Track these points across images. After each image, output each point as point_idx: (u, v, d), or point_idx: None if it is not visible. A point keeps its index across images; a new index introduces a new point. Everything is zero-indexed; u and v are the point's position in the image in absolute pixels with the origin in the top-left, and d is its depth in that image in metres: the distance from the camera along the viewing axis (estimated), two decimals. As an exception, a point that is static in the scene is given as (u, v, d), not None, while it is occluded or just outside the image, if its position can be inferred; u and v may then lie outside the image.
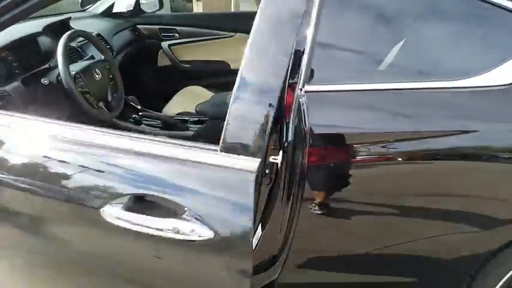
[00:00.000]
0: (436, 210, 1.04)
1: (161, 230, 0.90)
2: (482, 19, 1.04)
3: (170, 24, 2.66)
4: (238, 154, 0.89)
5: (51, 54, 1.72)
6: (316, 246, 1.11)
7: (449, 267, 1.13)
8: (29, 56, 1.67)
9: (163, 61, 2.66)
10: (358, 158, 1.02)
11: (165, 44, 2.61)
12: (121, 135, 1.02)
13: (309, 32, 0.95)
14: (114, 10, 2.51)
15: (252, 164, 0.87)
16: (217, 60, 2.62)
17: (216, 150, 0.92)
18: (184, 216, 0.90)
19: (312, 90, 0.96)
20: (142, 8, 2.64)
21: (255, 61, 0.95)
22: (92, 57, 1.84)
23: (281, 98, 0.93)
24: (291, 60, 0.93)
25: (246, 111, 0.93)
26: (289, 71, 0.94)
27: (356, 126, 1.01)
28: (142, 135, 1.03)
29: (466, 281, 1.14)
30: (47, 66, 1.68)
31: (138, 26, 2.60)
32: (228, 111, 0.91)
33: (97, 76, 1.70)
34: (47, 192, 1.03)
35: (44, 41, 1.78)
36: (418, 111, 1.01)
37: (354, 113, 1.01)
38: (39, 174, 1.03)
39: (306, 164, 0.95)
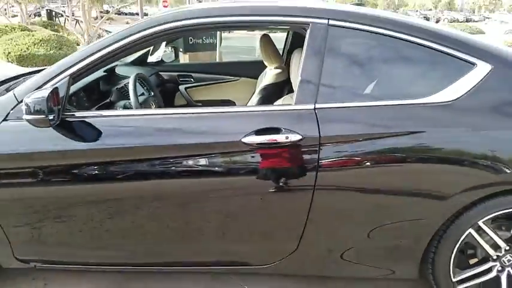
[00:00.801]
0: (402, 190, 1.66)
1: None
2: (430, 62, 1.68)
3: (187, 71, 3.25)
4: None
5: (108, 92, 2.26)
6: None
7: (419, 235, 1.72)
8: (94, 93, 2.19)
9: (179, 101, 3.21)
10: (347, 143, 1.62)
11: (182, 87, 3.18)
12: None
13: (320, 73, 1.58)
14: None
15: None
16: (225, 100, 3.19)
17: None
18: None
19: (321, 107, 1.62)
20: (163, 58, 3.23)
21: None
22: (143, 94, 2.37)
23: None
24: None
25: None
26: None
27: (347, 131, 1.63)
28: None
29: (433, 245, 1.77)
30: (108, 100, 2.21)
31: (160, 72, 3.17)
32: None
33: (152, 106, 2.23)
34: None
35: (102, 83, 2.33)
36: (390, 119, 1.61)
37: (346, 120, 1.63)
38: None
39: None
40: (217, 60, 5.29)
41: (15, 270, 2.04)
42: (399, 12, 33.95)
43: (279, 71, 2.59)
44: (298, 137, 1.61)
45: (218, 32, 5.46)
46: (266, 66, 2.77)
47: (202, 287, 2.06)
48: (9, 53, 9.67)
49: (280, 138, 1.62)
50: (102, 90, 2.29)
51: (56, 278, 2.10)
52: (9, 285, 2.03)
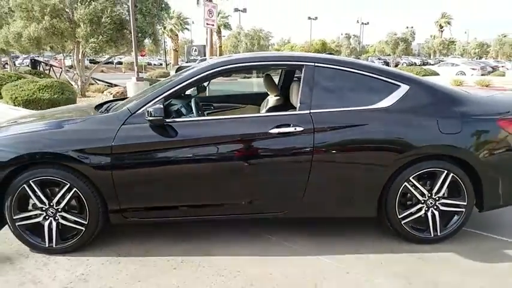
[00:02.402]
0: (360, 163, 2.84)
1: None
2: (375, 85, 2.94)
3: (207, 101, 4.41)
4: None
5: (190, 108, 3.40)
6: None
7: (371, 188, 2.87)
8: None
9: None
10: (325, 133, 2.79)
11: (205, 113, 4.32)
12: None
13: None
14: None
15: None
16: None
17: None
18: None
19: (314, 112, 2.79)
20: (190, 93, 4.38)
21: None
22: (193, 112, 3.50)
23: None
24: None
25: None
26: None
27: (329, 124, 2.81)
28: None
29: (384, 194, 2.91)
30: (191, 116, 3.30)
31: None
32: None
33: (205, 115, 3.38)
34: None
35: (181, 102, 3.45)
36: (351, 117, 2.84)
37: (328, 118, 2.82)
38: None
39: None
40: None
41: (115, 239, 3.04)
42: (361, 58, 37.04)
43: (278, 97, 3.80)
44: (301, 128, 2.79)
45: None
46: (264, 97, 4.03)
47: (258, 249, 3.10)
48: (16, 97, 10.59)
49: (291, 129, 2.79)
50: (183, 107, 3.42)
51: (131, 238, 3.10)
52: (113, 245, 3.01)
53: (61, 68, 21.79)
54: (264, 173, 2.87)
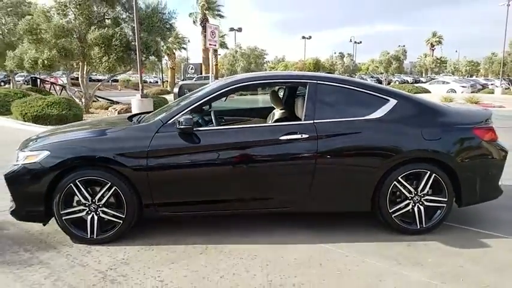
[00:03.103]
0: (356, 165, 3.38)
1: None
2: (368, 99, 3.49)
3: (220, 115, 4.94)
4: None
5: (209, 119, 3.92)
6: None
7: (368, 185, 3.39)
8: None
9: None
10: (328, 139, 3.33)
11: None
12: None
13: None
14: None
15: None
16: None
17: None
18: None
19: (317, 122, 3.32)
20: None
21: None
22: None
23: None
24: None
25: None
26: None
27: (329, 132, 3.35)
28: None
29: (377, 191, 3.44)
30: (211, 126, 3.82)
31: None
32: None
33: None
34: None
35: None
36: (347, 127, 3.39)
37: (328, 127, 3.36)
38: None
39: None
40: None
41: (149, 231, 3.52)
42: (355, 77, 38.02)
43: (283, 111, 4.34)
44: (307, 136, 3.31)
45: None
46: (270, 111, 4.57)
47: (269, 239, 3.58)
48: (25, 113, 11.09)
49: (298, 136, 3.31)
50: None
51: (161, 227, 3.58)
52: (146, 236, 3.48)
53: (62, 85, 22.46)
54: (275, 173, 3.38)
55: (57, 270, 2.92)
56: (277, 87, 4.94)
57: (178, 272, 2.90)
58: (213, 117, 3.85)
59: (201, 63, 41.11)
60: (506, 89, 32.10)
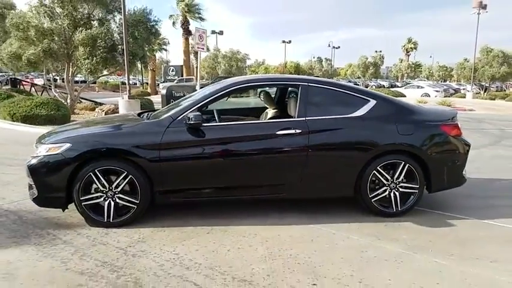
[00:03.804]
0: (343, 157, 3.91)
1: None
2: (352, 100, 4.04)
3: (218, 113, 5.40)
4: None
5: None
6: None
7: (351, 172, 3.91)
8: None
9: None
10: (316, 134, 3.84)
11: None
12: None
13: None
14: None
15: None
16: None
17: None
18: None
19: (308, 119, 3.84)
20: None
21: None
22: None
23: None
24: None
25: None
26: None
27: (318, 127, 3.87)
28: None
29: (358, 179, 3.99)
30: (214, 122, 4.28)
31: None
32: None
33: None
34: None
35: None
36: (332, 123, 3.93)
37: (318, 124, 3.87)
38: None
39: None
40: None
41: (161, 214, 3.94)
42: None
43: (275, 110, 4.82)
44: (300, 131, 3.81)
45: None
46: (262, 111, 5.05)
47: (265, 221, 4.05)
48: (14, 114, 11.20)
49: (292, 131, 3.81)
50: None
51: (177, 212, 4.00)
52: (157, 219, 3.89)
53: (43, 86, 22.33)
54: (271, 164, 3.87)
55: (81, 248, 3.31)
56: (265, 88, 5.44)
57: (190, 247, 3.33)
58: (215, 115, 4.31)
59: (182, 65, 41.24)
60: (477, 93, 33.69)
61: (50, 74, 18.91)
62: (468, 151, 4.25)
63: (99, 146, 3.66)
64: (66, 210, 3.90)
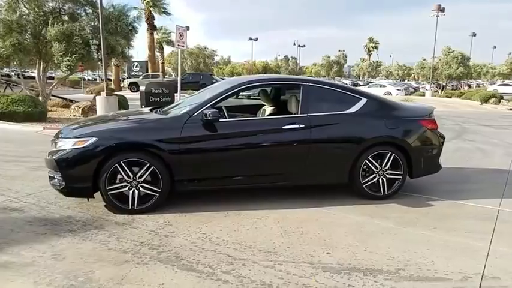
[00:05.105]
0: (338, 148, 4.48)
1: None
2: (346, 98, 4.62)
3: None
4: None
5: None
6: None
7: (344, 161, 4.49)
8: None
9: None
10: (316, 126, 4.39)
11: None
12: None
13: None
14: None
15: None
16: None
17: None
18: None
19: (310, 115, 4.38)
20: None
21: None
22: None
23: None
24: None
25: None
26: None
27: (319, 123, 4.41)
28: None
29: (351, 167, 4.58)
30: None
31: None
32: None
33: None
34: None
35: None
36: (329, 119, 4.49)
37: (318, 119, 4.42)
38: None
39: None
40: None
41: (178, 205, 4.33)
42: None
43: (273, 107, 5.31)
44: (303, 126, 4.33)
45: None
46: (257, 108, 5.51)
47: (271, 206, 4.53)
48: (-12, 110, 11.00)
49: (296, 126, 4.32)
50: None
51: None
52: (176, 207, 4.27)
53: (6, 82, 21.59)
54: (278, 155, 4.36)
55: (115, 232, 3.66)
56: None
57: (214, 227, 3.78)
58: (224, 111, 4.75)
59: (147, 61, 40.69)
60: (435, 91, 35.77)
61: (17, 70, 18.31)
62: (443, 142, 4.96)
63: (125, 140, 4.00)
64: (79, 199, 4.26)
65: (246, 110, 5.85)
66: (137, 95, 25.15)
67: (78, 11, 14.31)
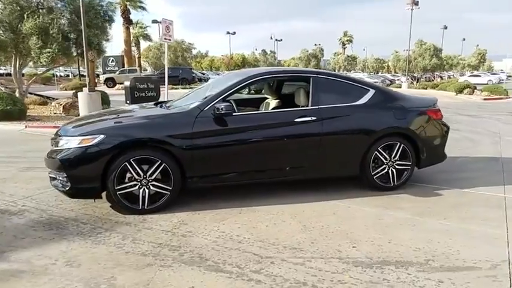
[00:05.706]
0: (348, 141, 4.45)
1: None
2: (356, 90, 4.58)
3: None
4: None
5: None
6: None
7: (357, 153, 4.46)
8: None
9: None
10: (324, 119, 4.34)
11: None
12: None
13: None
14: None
15: None
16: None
17: None
18: None
19: (321, 107, 4.33)
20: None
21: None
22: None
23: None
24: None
25: None
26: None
27: (330, 115, 4.36)
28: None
29: (360, 159, 4.55)
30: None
31: None
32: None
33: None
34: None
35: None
36: (341, 110, 4.45)
37: (329, 111, 4.37)
38: None
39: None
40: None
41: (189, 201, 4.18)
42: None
43: (278, 100, 5.21)
44: (314, 118, 4.26)
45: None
46: (260, 102, 5.39)
47: (285, 201, 4.44)
48: (-34, 109, 10.42)
49: (308, 119, 4.24)
50: None
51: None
52: (188, 205, 4.12)
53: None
54: (291, 148, 4.28)
55: (128, 234, 3.49)
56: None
57: (231, 225, 3.67)
58: (233, 105, 4.61)
59: (122, 56, 39.69)
60: (410, 83, 36.48)
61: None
62: (448, 132, 5.00)
63: (135, 136, 3.82)
64: (82, 201, 4.06)
65: (247, 103, 5.72)
66: (115, 91, 24.71)
67: (54, 4, 13.75)
